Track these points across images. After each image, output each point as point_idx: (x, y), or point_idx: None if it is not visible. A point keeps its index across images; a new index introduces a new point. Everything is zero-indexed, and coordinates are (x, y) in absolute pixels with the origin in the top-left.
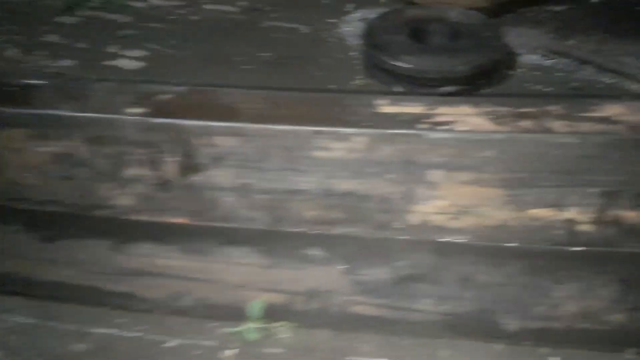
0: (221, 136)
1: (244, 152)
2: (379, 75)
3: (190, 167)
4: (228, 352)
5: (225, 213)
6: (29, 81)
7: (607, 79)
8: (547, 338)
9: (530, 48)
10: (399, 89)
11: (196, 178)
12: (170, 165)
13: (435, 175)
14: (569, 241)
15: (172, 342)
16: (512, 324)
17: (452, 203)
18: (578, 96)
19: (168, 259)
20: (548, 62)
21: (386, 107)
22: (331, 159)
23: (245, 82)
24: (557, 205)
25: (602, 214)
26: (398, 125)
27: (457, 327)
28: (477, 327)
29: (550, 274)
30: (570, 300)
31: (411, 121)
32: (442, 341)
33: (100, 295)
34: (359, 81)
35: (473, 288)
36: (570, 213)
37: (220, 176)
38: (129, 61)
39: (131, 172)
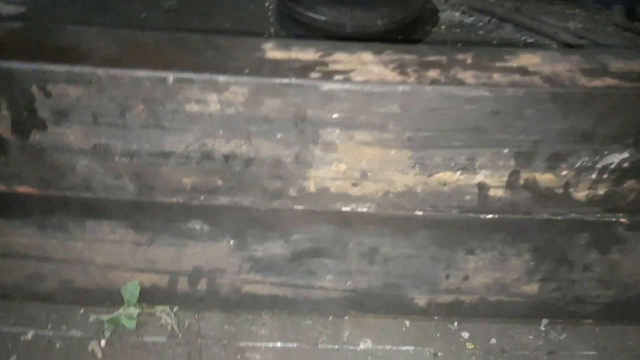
0: (65, 84)
1: (96, 104)
2: (293, 28)
3: (28, 123)
4: (99, 343)
5: (81, 180)
6: None
7: (527, 38)
8: (458, 312)
9: (451, 5)
10: None
11: (38, 137)
12: (3, 122)
13: (331, 134)
14: (480, 208)
15: (31, 333)
16: (421, 298)
17: (351, 167)
18: (492, 45)
19: (19, 236)
20: (469, 20)
21: (273, 51)
22: (206, 113)
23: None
24: (467, 168)
25: (515, 178)
26: (287, 73)
27: (363, 303)
28: (384, 303)
29: (461, 244)
30: (481, 272)
31: (302, 69)
32: (347, 320)
33: None
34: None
35: (378, 261)
36: (481, 177)
37: (67, 134)
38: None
39: None
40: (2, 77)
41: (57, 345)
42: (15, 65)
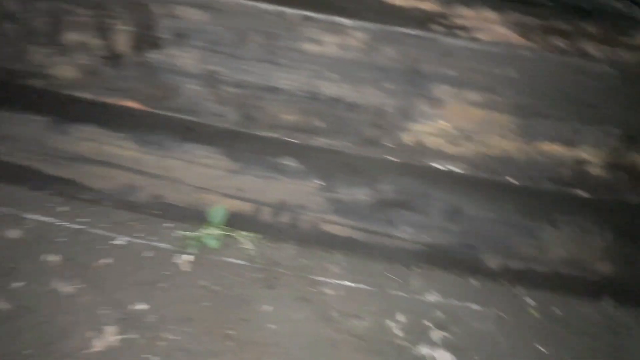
0: (188, 7)
1: (215, 31)
2: None
3: (147, 41)
4: (184, 257)
5: (187, 103)
6: None
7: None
8: (526, 279)
9: None
10: None
11: (154, 56)
12: (123, 36)
13: (442, 90)
14: (574, 183)
15: (121, 240)
16: (493, 261)
17: (454, 125)
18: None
19: (118, 147)
20: None
21: None
22: (321, 54)
23: None
24: (571, 141)
25: (617, 158)
26: (407, 22)
27: (435, 258)
28: (456, 261)
29: (546, 216)
30: (560, 246)
31: (424, 20)
32: (417, 271)
33: (37, 178)
34: None
35: (459, 221)
36: (584, 152)
37: (183, 57)
38: None
39: (73, 37)
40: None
41: (146, 253)
42: None
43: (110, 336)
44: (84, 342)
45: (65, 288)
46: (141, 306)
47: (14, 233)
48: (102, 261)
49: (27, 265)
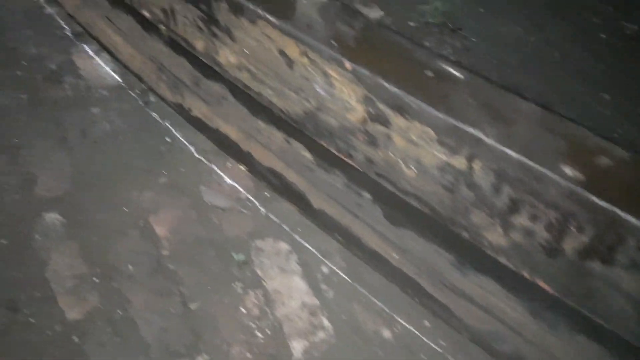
0: None
1: None
2: None
3: (597, 252)
4: None
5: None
6: None
7: None
8: None
9: None
10: None
11: (596, 267)
12: (573, 238)
13: None
14: None
15: None
16: None
17: None
18: None
19: (506, 305)
20: None
21: None
22: None
23: None
24: None
25: None
26: None
27: None
28: None
29: None
30: None
31: None
32: None
33: (416, 288)
34: None
35: None
36: None
37: (626, 280)
38: None
39: (523, 221)
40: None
41: None
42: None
43: None
44: None
45: None
46: None
47: (386, 333)
48: None
49: None
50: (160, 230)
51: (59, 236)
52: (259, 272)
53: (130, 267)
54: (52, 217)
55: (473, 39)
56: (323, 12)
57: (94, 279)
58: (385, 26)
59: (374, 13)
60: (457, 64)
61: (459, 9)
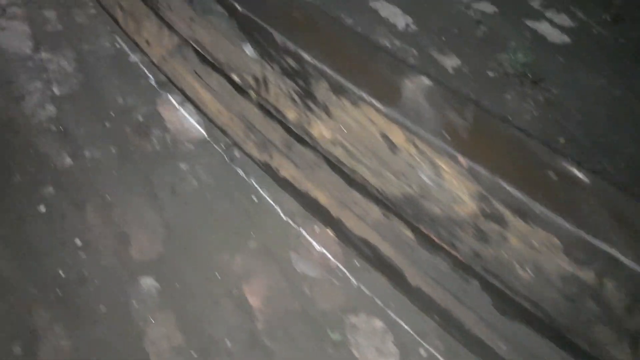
0: None
1: None
2: None
3: None
4: None
5: None
6: None
7: None
8: None
9: None
10: None
11: None
12: None
13: None
14: None
15: None
16: None
17: None
18: None
19: None
20: None
21: None
22: None
23: None
24: None
25: None
26: None
27: None
28: None
29: None
30: None
31: None
32: None
33: None
34: None
35: None
36: None
37: None
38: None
39: None
40: None
41: None
42: None
43: None
44: None
45: None
46: None
47: None
48: None
49: None
50: (253, 300)
51: (156, 304)
52: (355, 353)
53: (227, 341)
54: (148, 283)
55: (554, 91)
56: (430, 98)
57: (192, 352)
58: (502, 118)
59: (451, 61)
60: (580, 166)
61: (539, 58)
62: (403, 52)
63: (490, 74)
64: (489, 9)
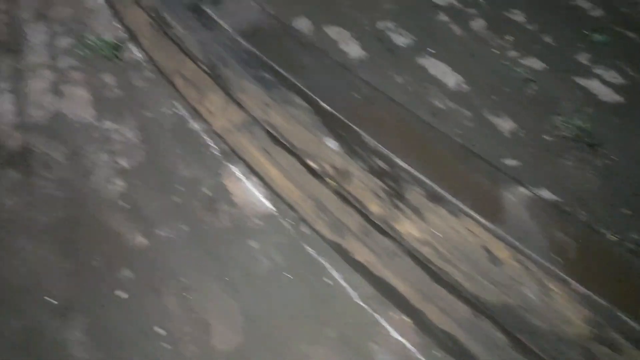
0: None
1: None
2: None
3: None
4: None
5: None
6: None
7: None
8: None
9: None
10: None
11: None
12: None
13: None
14: None
15: None
16: None
17: None
18: None
19: None
20: None
21: None
22: None
23: None
24: None
25: None
26: None
27: None
28: None
29: None
30: None
31: None
32: None
33: None
34: None
35: None
36: None
37: None
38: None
39: None
40: None
41: None
42: None
43: None
44: None
45: None
46: None
47: None
48: None
49: None
50: None
51: None
52: None
53: None
54: None
55: (614, 157)
56: (532, 212)
57: None
58: (616, 243)
59: (506, 124)
60: None
61: (593, 120)
62: (458, 115)
63: (547, 137)
64: (537, 64)
